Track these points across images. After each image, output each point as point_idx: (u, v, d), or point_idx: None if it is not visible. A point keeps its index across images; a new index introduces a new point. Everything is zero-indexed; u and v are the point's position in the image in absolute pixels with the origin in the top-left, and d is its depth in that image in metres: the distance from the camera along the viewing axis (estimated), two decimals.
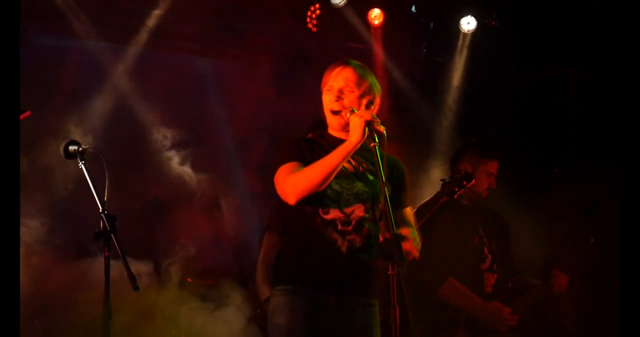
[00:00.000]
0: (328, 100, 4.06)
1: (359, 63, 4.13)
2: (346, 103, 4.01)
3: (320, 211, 3.94)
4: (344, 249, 3.92)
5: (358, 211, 3.99)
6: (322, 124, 4.17)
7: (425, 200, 5.14)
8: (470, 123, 7.70)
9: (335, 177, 3.87)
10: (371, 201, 4.01)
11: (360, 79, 4.06)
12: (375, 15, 7.33)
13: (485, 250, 5.47)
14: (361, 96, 4.04)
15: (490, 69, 7.87)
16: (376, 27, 7.40)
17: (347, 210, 3.97)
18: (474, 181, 5.20)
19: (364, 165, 4.05)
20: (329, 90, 4.06)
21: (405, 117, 7.70)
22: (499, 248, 5.53)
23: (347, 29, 7.30)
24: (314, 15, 7.03)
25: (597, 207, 6.88)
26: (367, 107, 4.02)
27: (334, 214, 3.95)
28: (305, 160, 3.93)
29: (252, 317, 5.42)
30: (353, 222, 3.97)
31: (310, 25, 7.05)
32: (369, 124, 3.73)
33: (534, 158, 7.38)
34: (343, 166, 3.91)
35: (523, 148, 7.47)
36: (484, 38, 7.66)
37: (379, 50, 7.47)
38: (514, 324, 5.30)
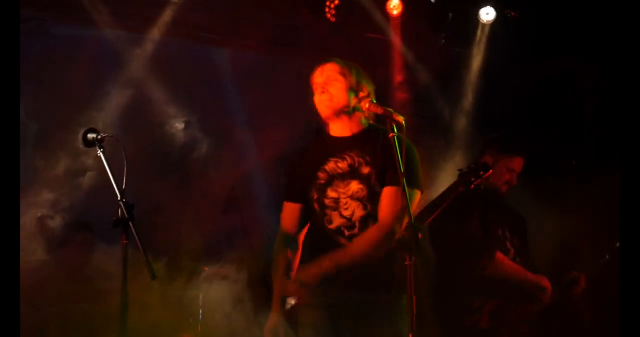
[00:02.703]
0: (316, 100, 4.21)
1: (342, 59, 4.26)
2: (333, 92, 4.08)
3: (325, 220, 4.15)
4: None
5: (357, 211, 4.13)
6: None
7: (442, 190, 5.12)
8: (488, 114, 7.68)
9: (331, 183, 4.17)
10: (367, 196, 4.10)
11: (343, 70, 4.15)
12: (394, 5, 7.28)
13: (508, 243, 5.46)
14: (350, 89, 4.15)
15: (509, 60, 7.82)
16: (395, 18, 7.33)
17: (347, 213, 4.11)
18: (490, 170, 5.17)
19: (361, 159, 4.17)
20: (315, 88, 4.16)
21: (424, 108, 7.70)
22: (519, 244, 5.52)
23: (366, 19, 7.25)
24: (332, 5, 7.01)
25: (614, 201, 6.84)
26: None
27: (337, 221, 4.13)
28: (304, 196, 4.21)
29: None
30: (357, 224, 4.12)
31: (329, 16, 7.03)
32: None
33: (551, 149, 7.34)
34: (338, 167, 4.17)
35: (541, 139, 7.43)
36: (503, 29, 7.62)
37: (397, 41, 7.45)
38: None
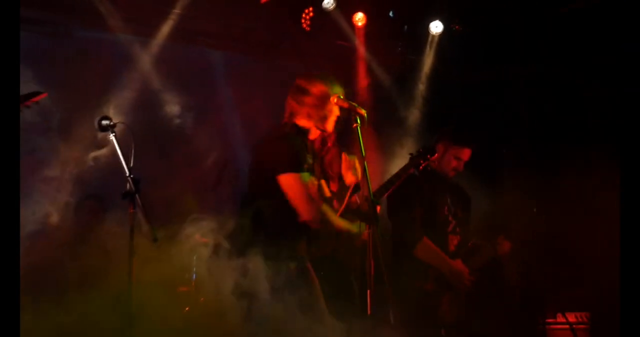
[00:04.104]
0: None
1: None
2: None
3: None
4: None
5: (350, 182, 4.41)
6: None
7: (396, 171, 5.20)
8: (436, 109, 7.80)
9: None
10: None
11: None
12: (359, 18, 7.48)
13: (450, 217, 5.54)
14: None
15: (454, 66, 7.94)
16: (360, 28, 7.53)
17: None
18: (437, 154, 5.24)
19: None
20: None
21: (384, 105, 7.77)
22: (462, 215, 5.62)
23: (336, 29, 7.39)
24: (307, 17, 7.15)
25: (541, 182, 7.04)
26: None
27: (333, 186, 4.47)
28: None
29: None
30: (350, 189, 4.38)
31: (304, 25, 7.16)
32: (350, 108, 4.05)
33: (489, 141, 7.43)
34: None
35: (481, 132, 7.52)
36: (449, 40, 7.80)
37: (362, 48, 7.65)
38: (469, 285, 5.37)
